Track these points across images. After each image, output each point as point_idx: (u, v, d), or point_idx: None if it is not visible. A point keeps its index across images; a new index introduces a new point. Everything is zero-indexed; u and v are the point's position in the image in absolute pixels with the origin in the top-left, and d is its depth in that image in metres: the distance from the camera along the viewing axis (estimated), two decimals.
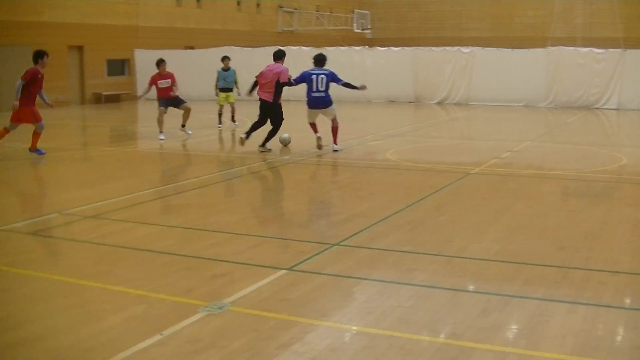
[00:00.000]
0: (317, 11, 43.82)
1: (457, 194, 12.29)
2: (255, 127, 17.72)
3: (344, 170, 15.76)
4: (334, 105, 17.56)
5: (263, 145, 17.46)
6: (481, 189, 12.72)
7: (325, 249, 8.55)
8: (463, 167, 14.81)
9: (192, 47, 37.89)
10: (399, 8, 48.84)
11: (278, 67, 17.53)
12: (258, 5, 42.79)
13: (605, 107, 32.81)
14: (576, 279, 7.55)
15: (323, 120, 17.36)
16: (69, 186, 13.73)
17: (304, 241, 9.13)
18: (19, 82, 16.50)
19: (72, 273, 7.80)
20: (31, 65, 16.68)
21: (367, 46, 38.42)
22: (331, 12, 44.33)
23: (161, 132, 20.18)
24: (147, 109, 32.09)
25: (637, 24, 44.22)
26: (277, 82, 17.23)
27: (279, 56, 17.85)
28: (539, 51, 34.27)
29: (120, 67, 37.44)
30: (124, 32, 36.08)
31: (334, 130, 17.45)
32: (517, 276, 7.59)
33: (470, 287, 7.34)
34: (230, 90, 23.48)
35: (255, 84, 17.78)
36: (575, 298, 6.93)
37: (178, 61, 29.19)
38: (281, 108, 17.71)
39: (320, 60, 17.83)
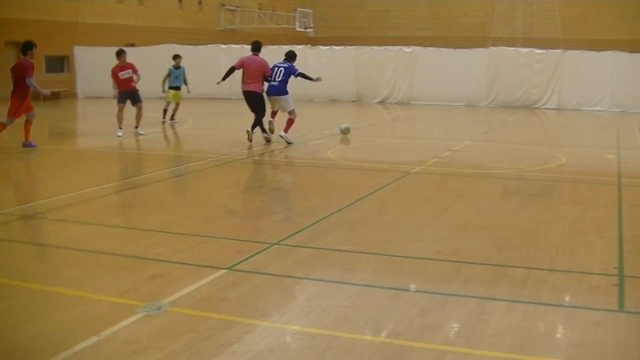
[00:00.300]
0: (260, 9, 43.74)
1: (397, 193, 12.33)
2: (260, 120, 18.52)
3: (285, 169, 15.77)
4: (289, 98, 18.63)
5: (262, 130, 18.57)
6: (422, 188, 12.78)
7: (265, 249, 8.53)
8: (404, 167, 14.88)
9: (133, 45, 37.54)
10: (342, 7, 48.90)
11: (260, 60, 18.64)
12: (200, 2, 42.58)
13: (545, 106, 33.26)
14: (515, 277, 7.62)
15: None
16: (6, 185, 13.55)
17: (244, 240, 9.09)
18: (29, 80, 16.55)
19: (8, 274, 7.68)
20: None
21: (309, 45, 38.44)
22: (274, 11, 44.30)
23: (120, 128, 20.16)
24: (88, 107, 31.83)
25: (576, 26, 44.83)
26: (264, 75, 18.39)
27: (257, 48, 19.01)
28: (480, 51, 34.60)
29: (59, 64, 36.97)
30: (64, 28, 35.61)
31: (289, 121, 18.63)
32: (457, 275, 7.64)
33: (410, 286, 7.36)
34: (179, 88, 23.64)
35: (229, 73, 19.04)
36: (514, 296, 6.99)
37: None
38: (263, 98, 18.57)
39: (288, 56, 19.38)
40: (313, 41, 43.68)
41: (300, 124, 20.48)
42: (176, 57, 23.93)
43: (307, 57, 34.69)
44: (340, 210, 10.73)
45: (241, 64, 18.54)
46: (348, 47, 36.35)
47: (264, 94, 18.65)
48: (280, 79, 18.51)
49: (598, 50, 34.52)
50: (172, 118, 23.74)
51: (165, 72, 23.82)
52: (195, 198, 12.44)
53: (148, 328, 6.10)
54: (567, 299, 7.09)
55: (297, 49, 34.97)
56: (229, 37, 40.22)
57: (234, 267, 7.77)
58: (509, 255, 8.43)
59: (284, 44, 36.51)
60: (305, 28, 43.88)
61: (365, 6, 48.66)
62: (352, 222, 10.03)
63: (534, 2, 45.12)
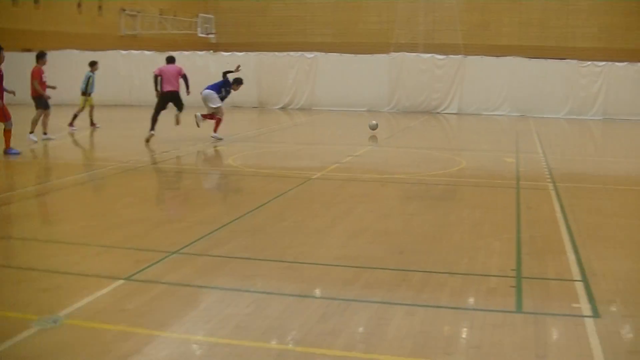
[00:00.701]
0: (161, 15, 43.31)
1: (298, 200, 12.30)
2: (156, 117, 20.47)
3: (185, 176, 15.60)
4: (215, 95, 21.19)
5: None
6: (322, 194, 12.78)
7: (164, 258, 8.38)
8: (305, 172, 14.88)
9: (28, 50, 36.68)
10: (244, 13, 48.73)
11: (176, 67, 21.10)
12: (100, 7, 41.91)
13: (446, 111, 33.82)
14: (415, 281, 7.65)
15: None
16: None
17: (143, 250, 8.92)
18: None
19: None
20: None
21: (211, 51, 38.26)
22: (175, 16, 43.93)
23: (32, 132, 20.35)
24: None
25: (476, 31, 45.56)
26: (184, 76, 20.81)
27: (172, 60, 21.40)
28: (381, 57, 34.93)
29: None
30: None
31: (217, 121, 21.14)
32: (357, 280, 7.63)
33: (310, 293, 7.32)
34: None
35: (155, 81, 20.72)
36: (414, 300, 7.02)
37: (15, 65, 28.26)
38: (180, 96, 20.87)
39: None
40: (215, 47, 43.45)
41: (202, 130, 20.38)
42: (95, 63, 24.64)
43: (209, 64, 34.53)
44: (240, 217, 10.65)
45: (160, 72, 20.69)
46: (250, 53, 36.28)
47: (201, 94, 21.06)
48: (212, 83, 21.67)
49: (498, 56, 35.20)
50: (93, 123, 24.15)
51: (87, 77, 24.26)
52: (95, 207, 12.20)
53: (44, 342, 5.92)
54: (466, 301, 7.13)
55: (199, 55, 35.01)
56: (130, 43, 39.69)
57: (132, 277, 7.61)
58: (409, 259, 8.47)
59: (185, 50, 36.31)
60: (207, 34, 43.63)
61: (268, 12, 48.61)
62: (252, 229, 9.96)
63: (435, 9, 45.67)
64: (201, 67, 33.64)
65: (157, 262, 8.22)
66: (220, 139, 20.58)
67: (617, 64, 34.06)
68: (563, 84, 33.75)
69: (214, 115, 21.34)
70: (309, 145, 21.88)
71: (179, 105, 20.99)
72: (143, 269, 7.91)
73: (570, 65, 34.21)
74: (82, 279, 7.64)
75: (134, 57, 35.24)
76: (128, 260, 8.42)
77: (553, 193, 13.12)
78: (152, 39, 41.33)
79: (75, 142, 21.30)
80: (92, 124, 24.23)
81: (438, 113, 33.89)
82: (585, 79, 33.70)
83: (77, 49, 34.69)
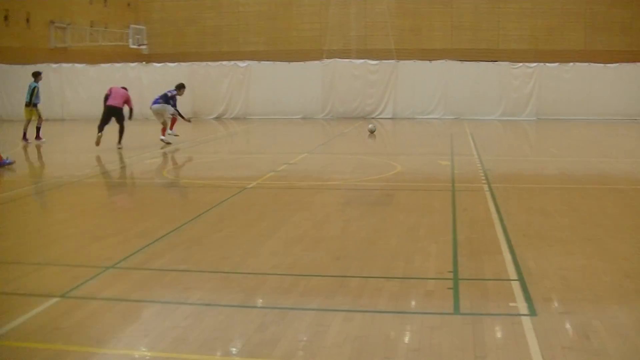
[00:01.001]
0: (92, 26, 42.82)
1: (234, 209, 12.23)
2: (102, 126, 21.59)
3: (120, 189, 15.46)
4: (167, 108, 23.11)
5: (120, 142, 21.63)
6: (258, 203, 12.74)
7: (100, 273, 8.27)
8: (240, 182, 14.83)
9: None
10: (175, 23, 48.41)
11: (125, 90, 22.56)
12: (27, 20, 41.25)
13: (381, 116, 34.06)
14: (352, 287, 7.66)
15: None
16: None
17: (78, 266, 8.79)
18: None
19: None
20: None
21: (143, 62, 37.99)
22: (106, 28, 43.46)
23: None
24: None
25: (409, 36, 45.81)
26: (128, 102, 22.34)
27: (125, 88, 22.79)
28: (314, 64, 35.05)
29: None
30: None
31: (165, 128, 23.12)
32: (294, 288, 7.61)
33: (248, 302, 7.28)
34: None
35: (106, 98, 22.15)
36: (352, 306, 7.02)
37: None
38: (123, 115, 22.21)
39: (177, 87, 24.23)
40: (147, 58, 43.09)
41: (136, 143, 20.24)
42: (40, 74, 25.35)
43: (141, 75, 34.36)
44: (176, 229, 10.56)
45: (109, 91, 22.32)
46: (182, 63, 36.15)
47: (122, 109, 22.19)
48: (159, 96, 23.66)
49: (430, 60, 35.52)
50: (38, 136, 24.38)
51: (31, 88, 24.61)
52: (30, 223, 11.98)
53: None
54: (403, 305, 7.15)
55: (131, 66, 34.74)
56: (61, 55, 39.08)
57: (68, 294, 7.50)
58: (346, 265, 8.48)
59: (117, 62, 36.00)
60: (139, 45, 43.21)
61: (199, 21, 48.33)
62: (188, 241, 9.88)
63: (366, 14, 45.87)
64: (133, 79, 33.42)
65: (93, 277, 8.10)
66: (169, 143, 22.52)
67: (548, 64, 34.61)
68: (496, 86, 34.24)
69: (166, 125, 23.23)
70: (244, 154, 21.84)
71: (119, 121, 21.87)
72: (79, 285, 7.79)
73: (502, 67, 34.73)
74: (16, 298, 7.50)
75: (64, 70, 34.85)
76: (63, 276, 8.30)
77: (488, 194, 13.25)
78: (83, 51, 40.82)
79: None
80: (25, 138, 24.09)
81: (373, 118, 34.06)
82: (517, 81, 34.24)
83: (5, 63, 34.20)
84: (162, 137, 22.80)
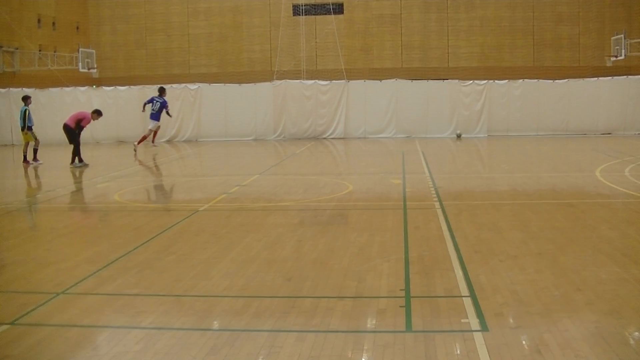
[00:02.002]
0: (40, 51, 42.49)
1: (185, 232, 12.14)
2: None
3: (70, 215, 15.29)
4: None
5: (72, 162, 23.29)
6: (210, 226, 12.66)
7: (50, 299, 8.19)
8: (192, 205, 14.78)
9: None
10: (125, 46, 48.18)
11: (82, 112, 24.49)
12: None
13: (332, 136, 34.13)
14: (304, 307, 7.66)
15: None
16: None
17: (27, 292, 8.68)
18: None
19: None
20: None
21: (93, 86, 37.76)
22: (55, 52, 43.13)
23: None
24: None
25: (359, 56, 46.07)
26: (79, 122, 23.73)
27: (96, 112, 24.55)
28: (266, 85, 35.05)
29: None
30: None
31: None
32: (247, 310, 7.59)
33: (200, 325, 7.24)
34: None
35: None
36: (304, 326, 7.03)
37: None
38: (75, 133, 23.55)
39: (161, 91, 30.55)
40: (97, 82, 42.85)
41: (87, 169, 20.05)
42: (28, 98, 25.82)
43: (92, 99, 34.12)
44: (127, 253, 10.47)
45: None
46: (133, 87, 35.95)
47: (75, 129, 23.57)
48: (156, 110, 29.73)
49: (381, 80, 35.69)
50: (35, 158, 24.75)
51: (22, 112, 24.97)
52: None
53: None
54: (356, 324, 7.15)
55: (81, 90, 34.51)
56: (9, 80, 38.68)
57: (17, 322, 7.42)
58: (298, 286, 8.47)
59: (66, 86, 35.72)
60: (89, 69, 42.92)
61: (149, 44, 48.17)
62: (139, 264, 9.80)
63: (316, 35, 46.04)
64: (84, 103, 33.19)
65: (43, 303, 8.02)
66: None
67: (497, 82, 34.94)
68: (447, 104, 34.46)
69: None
70: (196, 177, 21.76)
71: (68, 139, 23.63)
72: (28, 312, 7.72)
73: (452, 85, 34.95)
74: None
75: (13, 95, 34.47)
76: (12, 303, 8.20)
77: (440, 211, 13.33)
78: (32, 75, 40.44)
79: None
80: (26, 160, 24.52)
81: (325, 138, 34.16)
82: (468, 98, 34.47)
83: None
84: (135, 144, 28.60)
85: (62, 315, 7.63)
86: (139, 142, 29.18)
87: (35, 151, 24.71)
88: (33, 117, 25.44)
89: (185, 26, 48.01)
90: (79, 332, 7.15)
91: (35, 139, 24.81)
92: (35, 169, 23.04)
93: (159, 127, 31.04)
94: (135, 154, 27.52)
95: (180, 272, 9.33)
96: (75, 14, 47.27)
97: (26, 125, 24.86)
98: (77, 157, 23.48)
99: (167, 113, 30.40)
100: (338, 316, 7.31)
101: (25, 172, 23.11)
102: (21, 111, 25.24)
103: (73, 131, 23.54)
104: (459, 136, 33.64)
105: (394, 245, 10.61)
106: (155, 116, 30.25)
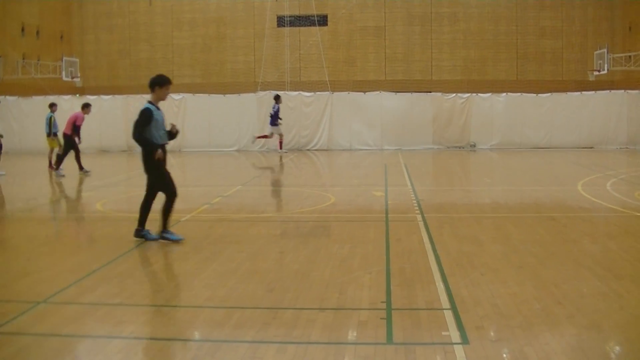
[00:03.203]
0: (24, 59, 42.35)
1: (167, 243, 12.07)
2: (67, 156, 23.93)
3: (52, 224, 15.23)
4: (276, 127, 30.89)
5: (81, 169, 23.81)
6: (191, 236, 12.59)
7: (30, 308, 8.14)
8: (174, 215, 14.67)
9: None
10: (109, 55, 48.08)
11: (75, 115, 24.28)
12: None
13: (316, 148, 34.13)
14: (285, 318, 7.65)
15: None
16: None
17: (7, 301, 8.63)
18: None
19: None
20: None
21: (77, 95, 37.68)
22: (39, 60, 43.01)
23: None
24: None
25: (343, 67, 46.14)
26: (74, 125, 23.83)
27: (85, 105, 24.81)
28: (250, 96, 35.10)
29: None
30: None
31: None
32: (228, 321, 7.58)
33: (181, 336, 7.24)
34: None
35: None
36: (285, 337, 7.02)
37: None
38: (73, 141, 23.83)
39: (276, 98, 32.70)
40: (81, 91, 42.77)
41: (69, 177, 19.99)
42: (54, 105, 26.34)
43: (75, 108, 33.95)
44: (108, 263, 10.43)
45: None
46: (117, 96, 35.93)
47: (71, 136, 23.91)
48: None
49: (365, 91, 35.79)
50: (57, 166, 24.90)
51: (47, 118, 25.86)
52: None
53: None
54: (336, 335, 7.15)
55: (64, 99, 34.42)
56: None
57: None
58: (279, 297, 8.46)
59: (50, 94, 35.63)
60: (72, 78, 42.78)
61: (133, 54, 48.10)
62: (120, 274, 9.77)
63: (301, 46, 46.09)
64: (67, 111, 32.94)
65: (23, 313, 7.98)
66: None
67: (480, 94, 35.10)
68: (430, 116, 34.59)
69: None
70: (178, 187, 21.63)
71: (67, 147, 23.92)
72: (8, 321, 7.67)
73: (435, 98, 35.10)
74: None
75: None
76: None
77: (421, 224, 13.35)
78: (15, 84, 40.27)
79: None
80: (51, 166, 25.10)
81: (308, 150, 34.21)
82: (450, 111, 34.62)
83: None
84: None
85: (42, 325, 7.59)
86: (259, 137, 33.81)
87: (58, 157, 25.03)
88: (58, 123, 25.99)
89: (169, 36, 47.99)
90: (59, 341, 7.11)
91: (59, 145, 25.30)
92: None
93: (281, 134, 33.41)
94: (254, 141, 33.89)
95: (162, 282, 9.32)
96: (59, 22, 47.16)
97: (52, 132, 25.68)
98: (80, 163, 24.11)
99: (271, 116, 32.88)
100: (319, 327, 7.31)
101: (50, 177, 23.75)
102: (47, 118, 26.00)
103: (71, 138, 23.97)
104: (473, 146, 34.21)
105: (375, 258, 10.61)
106: (272, 122, 32.64)
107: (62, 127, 24.38)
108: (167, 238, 11.82)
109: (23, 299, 8.69)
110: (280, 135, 33.21)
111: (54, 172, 24.34)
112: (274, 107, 32.80)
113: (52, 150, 25.82)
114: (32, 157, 20.53)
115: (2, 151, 24.33)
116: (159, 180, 12.17)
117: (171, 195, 12.11)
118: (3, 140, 24.59)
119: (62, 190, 18.61)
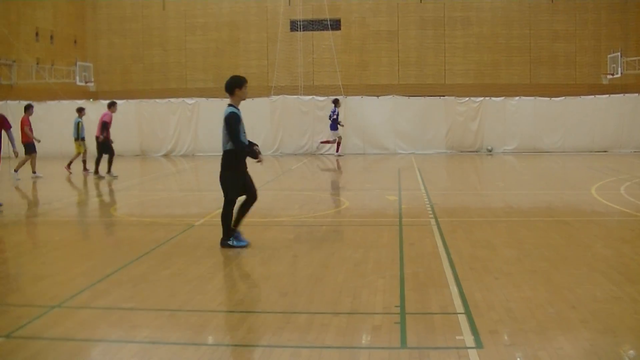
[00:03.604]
0: (38, 64, 42.51)
1: (181, 247, 12.12)
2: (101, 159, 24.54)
3: (66, 228, 15.23)
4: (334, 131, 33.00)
5: (109, 171, 24.21)
6: (205, 240, 12.63)
7: (45, 312, 8.18)
8: (188, 219, 14.76)
9: None
10: (122, 60, 48.24)
11: (102, 115, 25.09)
12: None
13: (330, 152, 34.25)
14: (299, 323, 7.65)
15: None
16: None
17: (22, 305, 8.68)
18: None
19: None
20: None
21: (91, 99, 37.78)
22: (52, 65, 43.16)
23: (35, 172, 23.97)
24: None
25: (355, 72, 46.19)
26: (104, 126, 24.51)
27: (111, 104, 25.74)
28: (263, 100, 35.08)
29: None
30: None
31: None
32: (242, 325, 7.59)
33: (195, 340, 7.23)
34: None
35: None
36: (299, 342, 7.02)
37: None
38: (104, 145, 24.53)
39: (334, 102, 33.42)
40: (94, 95, 42.94)
41: (81, 181, 20.02)
42: (82, 109, 27.45)
43: (89, 112, 34.05)
44: (123, 267, 10.47)
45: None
46: (130, 100, 36.00)
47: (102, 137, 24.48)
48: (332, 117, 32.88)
49: (378, 96, 35.79)
50: (85, 168, 26.28)
51: (75, 123, 26.70)
52: None
53: None
54: (350, 340, 7.15)
55: (78, 103, 34.47)
56: (6, 93, 38.61)
57: (12, 335, 7.40)
58: (293, 301, 8.47)
59: (64, 99, 35.75)
60: (86, 82, 42.91)
61: (146, 59, 48.24)
62: (134, 279, 9.79)
63: (313, 50, 46.15)
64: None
65: (38, 317, 8.01)
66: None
67: (493, 99, 35.05)
68: (443, 121, 34.57)
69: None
70: (192, 191, 21.79)
71: (99, 151, 24.60)
72: (23, 326, 7.70)
73: (448, 102, 35.07)
74: None
75: (11, 108, 34.44)
76: (7, 317, 8.19)
77: (435, 228, 13.34)
78: (29, 88, 40.43)
79: None
80: (86, 168, 26.04)
81: (322, 154, 34.20)
82: (463, 115, 34.59)
83: None
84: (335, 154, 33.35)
85: (57, 329, 7.62)
86: (323, 142, 34.64)
87: (84, 162, 26.28)
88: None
89: (182, 41, 48.12)
90: (73, 345, 7.14)
91: (86, 149, 26.36)
92: (35, 180, 23.13)
93: (339, 137, 33.67)
94: (319, 146, 34.78)
95: (175, 286, 9.32)
96: (72, 27, 47.36)
97: (80, 136, 26.45)
98: (110, 166, 24.56)
99: (332, 120, 33.27)
100: (333, 332, 7.31)
101: (85, 180, 24.32)
102: (75, 122, 26.77)
103: (106, 141, 24.60)
104: (489, 151, 34.40)
105: (389, 262, 10.61)
106: (333, 126, 33.11)
107: (90, 130, 25.61)
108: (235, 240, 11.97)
109: (37, 303, 8.73)
110: (339, 138, 33.44)
111: (89, 175, 25.09)
112: (333, 111, 33.19)
113: (78, 154, 26.52)
114: (47, 161, 20.60)
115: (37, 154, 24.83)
116: (236, 185, 12.31)
117: (252, 197, 12.22)
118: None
119: (76, 195, 18.64)
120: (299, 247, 12.17)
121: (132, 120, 34.54)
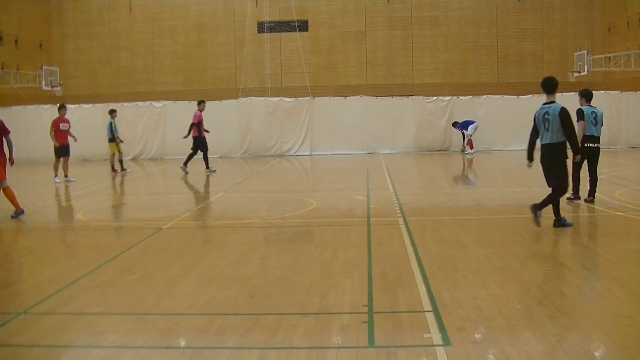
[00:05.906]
0: (2, 69, 42.17)
1: (148, 251, 12.07)
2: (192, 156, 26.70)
3: (32, 234, 15.09)
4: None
5: (207, 168, 26.46)
6: (173, 244, 12.59)
7: (11, 319, 8.10)
8: (156, 223, 14.69)
9: None
10: (89, 64, 47.90)
11: (193, 115, 27.02)
12: None
13: (298, 153, 34.12)
14: (267, 324, 7.63)
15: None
16: None
17: None
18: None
19: None
20: None
21: (57, 104, 37.52)
22: (18, 70, 42.85)
23: (56, 176, 24.14)
24: None
25: (324, 73, 46.16)
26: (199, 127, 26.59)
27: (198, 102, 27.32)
28: (231, 102, 35.04)
29: None
30: None
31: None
32: (209, 328, 7.56)
33: (163, 343, 7.19)
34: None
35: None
36: (267, 343, 7.01)
37: None
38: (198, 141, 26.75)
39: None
40: (61, 100, 42.57)
41: (47, 187, 19.87)
42: (114, 111, 28.35)
43: (55, 117, 33.87)
44: (89, 272, 10.39)
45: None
46: (97, 104, 35.82)
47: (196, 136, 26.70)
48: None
49: (346, 96, 35.84)
50: (123, 168, 27.78)
51: (109, 124, 27.69)
52: None
53: None
54: (318, 340, 7.14)
55: (44, 108, 34.26)
56: None
57: None
58: (261, 303, 8.46)
59: (29, 104, 35.51)
60: (52, 87, 42.62)
61: (113, 62, 47.96)
62: (102, 284, 9.72)
63: (281, 52, 46.10)
64: (47, 121, 32.87)
65: (3, 324, 7.94)
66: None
67: (461, 97, 35.21)
68: (411, 120, 34.67)
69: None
70: (161, 194, 21.69)
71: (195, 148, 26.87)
72: None
73: (416, 102, 35.18)
74: None
75: None
76: None
77: (403, 227, 13.36)
78: None
79: None
80: (114, 170, 27.47)
81: (290, 155, 34.21)
82: (432, 115, 34.71)
83: None
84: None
85: (22, 336, 7.55)
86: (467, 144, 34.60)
87: (121, 162, 27.45)
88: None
89: (150, 44, 47.89)
90: (40, 352, 7.08)
91: (119, 151, 27.77)
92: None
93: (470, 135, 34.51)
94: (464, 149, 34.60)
95: (143, 290, 9.26)
96: (38, 31, 46.98)
97: (114, 137, 27.55)
98: (207, 162, 26.86)
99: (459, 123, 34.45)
100: (301, 333, 7.30)
101: (113, 180, 25.41)
102: (108, 123, 27.87)
103: (196, 139, 26.84)
104: (463, 150, 34.65)
105: (357, 262, 10.61)
106: (463, 126, 34.46)
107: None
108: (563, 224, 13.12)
109: (3, 310, 8.64)
110: (469, 136, 33.94)
111: (119, 174, 26.58)
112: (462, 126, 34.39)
113: (113, 155, 27.52)
114: (16, 167, 20.46)
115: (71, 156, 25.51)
116: (564, 175, 13.59)
117: (564, 189, 13.46)
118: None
119: (42, 200, 18.49)
120: (268, 248, 12.16)
121: (99, 125, 34.31)
